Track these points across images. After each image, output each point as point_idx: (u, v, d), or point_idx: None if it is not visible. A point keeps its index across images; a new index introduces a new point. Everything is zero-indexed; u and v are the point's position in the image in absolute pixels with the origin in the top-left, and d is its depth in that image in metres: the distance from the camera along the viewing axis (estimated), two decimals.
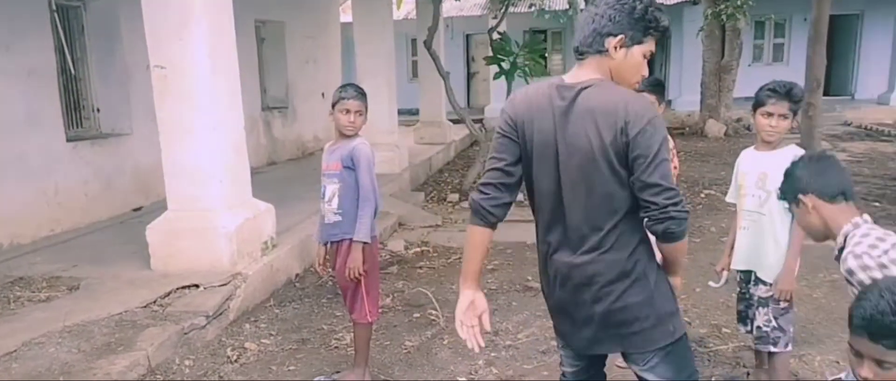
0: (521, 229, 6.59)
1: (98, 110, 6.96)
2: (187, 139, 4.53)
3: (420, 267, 5.52)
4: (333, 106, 3.26)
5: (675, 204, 1.79)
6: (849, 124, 13.29)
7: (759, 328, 3.02)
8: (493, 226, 2.02)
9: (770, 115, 2.83)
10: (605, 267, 1.91)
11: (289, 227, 5.47)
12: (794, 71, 11.82)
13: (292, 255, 5.16)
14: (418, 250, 6.02)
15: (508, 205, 2.01)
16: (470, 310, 2.03)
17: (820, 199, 1.98)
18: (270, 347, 4.01)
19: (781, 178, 2.11)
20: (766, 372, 3.18)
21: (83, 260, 5.02)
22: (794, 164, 2.10)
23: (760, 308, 3.01)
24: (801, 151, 2.93)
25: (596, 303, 1.94)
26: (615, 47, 1.89)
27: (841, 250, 1.95)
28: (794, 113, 2.83)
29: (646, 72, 1.97)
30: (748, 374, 3.45)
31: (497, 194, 1.99)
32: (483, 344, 2.04)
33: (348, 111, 3.22)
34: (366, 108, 3.28)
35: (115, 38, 6.78)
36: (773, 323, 2.99)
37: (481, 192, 2.00)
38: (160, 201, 5.14)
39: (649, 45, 1.92)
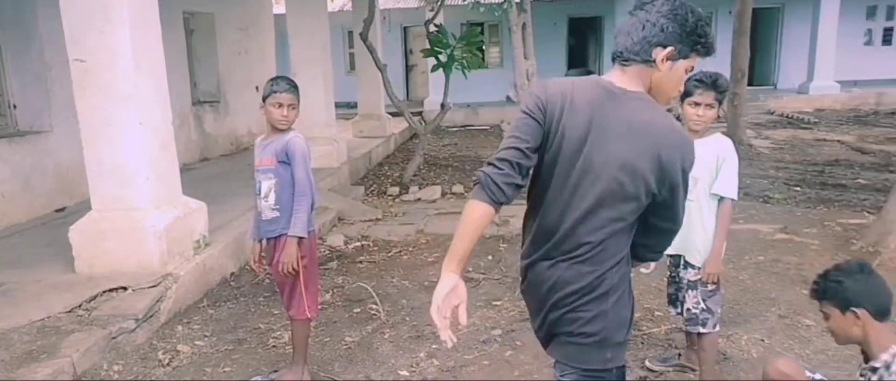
0: (455, 221, 6.67)
1: (14, 107, 6.59)
2: (110, 136, 4.33)
3: (360, 262, 5.47)
4: (264, 99, 3.18)
5: (668, 245, 1.99)
6: (772, 113, 13.89)
7: (688, 310, 3.12)
8: (496, 205, 1.82)
9: (697, 105, 2.94)
10: (574, 277, 1.87)
11: (222, 224, 5.32)
12: (719, 62, 12.17)
13: (226, 253, 5.02)
14: (358, 244, 5.97)
15: (518, 188, 1.85)
16: (451, 296, 1.80)
17: (872, 317, 2.08)
18: (204, 348, 3.89)
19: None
20: (696, 352, 3.29)
21: (1, 264, 4.75)
22: (843, 271, 2.16)
23: (690, 291, 3.12)
24: (726, 140, 3.05)
25: (554, 308, 1.92)
26: (663, 59, 1.81)
27: (875, 368, 2.10)
28: (720, 102, 2.95)
29: (682, 88, 2.00)
30: (679, 355, 3.56)
31: (512, 172, 1.82)
32: (455, 340, 1.82)
33: (281, 105, 3.14)
34: (298, 101, 3.21)
35: (31, 30, 6.43)
36: (702, 305, 3.10)
37: (495, 166, 1.83)
38: (85, 201, 4.92)
39: (693, 61, 1.85)
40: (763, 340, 3.84)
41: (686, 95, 2.97)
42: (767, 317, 4.13)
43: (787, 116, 13.38)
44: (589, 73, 4.46)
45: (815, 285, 2.26)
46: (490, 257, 5.44)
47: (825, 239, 5.50)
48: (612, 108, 1.81)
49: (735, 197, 3.03)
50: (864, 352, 2.20)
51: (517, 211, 6.84)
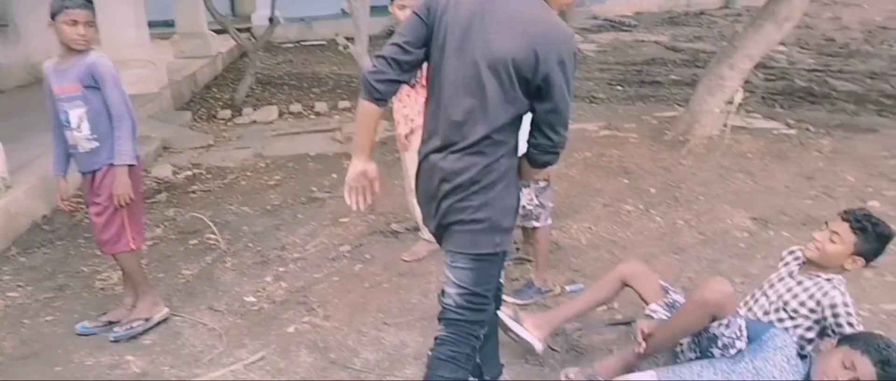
0: (301, 140, 6.47)
1: None
2: None
3: (193, 192, 5.14)
4: (54, 17, 2.77)
5: (563, 143, 1.95)
6: (596, 18, 14.59)
7: (523, 206, 3.26)
8: (378, 102, 1.98)
9: None
10: (464, 167, 1.93)
11: (25, 164, 4.73)
12: None
13: (34, 195, 4.49)
14: (189, 173, 5.58)
15: (395, 83, 1.98)
16: (361, 176, 2.08)
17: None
18: (20, 299, 3.51)
19: None
20: (532, 245, 3.48)
21: None
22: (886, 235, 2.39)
23: (523, 189, 3.24)
24: None
25: (445, 197, 1.97)
26: None
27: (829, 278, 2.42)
28: None
29: None
30: (518, 249, 3.75)
31: (385, 68, 1.94)
32: (370, 202, 2.13)
33: (75, 22, 2.76)
34: (94, 16, 2.84)
35: None
36: (536, 201, 3.24)
37: (372, 64, 1.97)
38: None
39: None
40: (591, 227, 4.14)
41: None
42: (594, 207, 4.45)
43: (609, 20, 14.13)
44: None
45: (856, 220, 2.40)
46: (334, 175, 5.34)
47: (643, 132, 5.97)
48: (499, 4, 1.85)
49: None
50: (812, 262, 2.46)
51: None
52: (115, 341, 3.06)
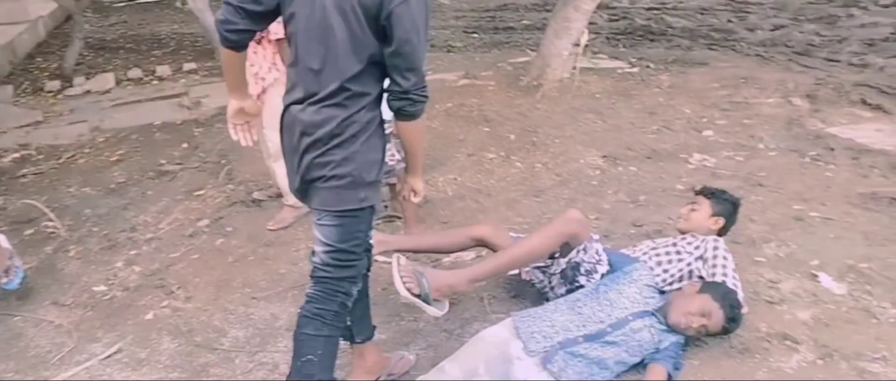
0: (144, 109, 6.00)
1: None
2: None
3: (23, 176, 4.64)
4: None
5: (419, 88, 1.85)
6: None
7: (386, 162, 3.23)
8: (237, 49, 1.97)
9: None
10: (323, 120, 1.88)
11: None
12: None
13: None
14: (17, 155, 5.02)
15: (246, 32, 1.94)
16: (239, 114, 2.16)
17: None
18: None
19: None
20: (399, 201, 3.48)
21: None
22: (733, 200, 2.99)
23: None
24: None
25: (306, 152, 1.92)
26: None
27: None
28: None
29: None
30: (386, 206, 3.75)
31: (233, 17, 1.89)
32: (255, 138, 2.24)
33: None
34: None
35: None
36: (398, 157, 3.23)
37: (222, 12, 1.91)
38: None
39: None
40: (456, 178, 4.21)
41: None
42: (458, 157, 4.52)
43: None
44: None
45: (707, 190, 3.03)
46: (185, 145, 5.02)
47: (499, 79, 6.09)
48: None
49: None
50: (684, 232, 2.93)
51: (210, 91, 6.34)
52: None
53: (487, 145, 4.69)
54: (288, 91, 2.00)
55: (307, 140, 1.91)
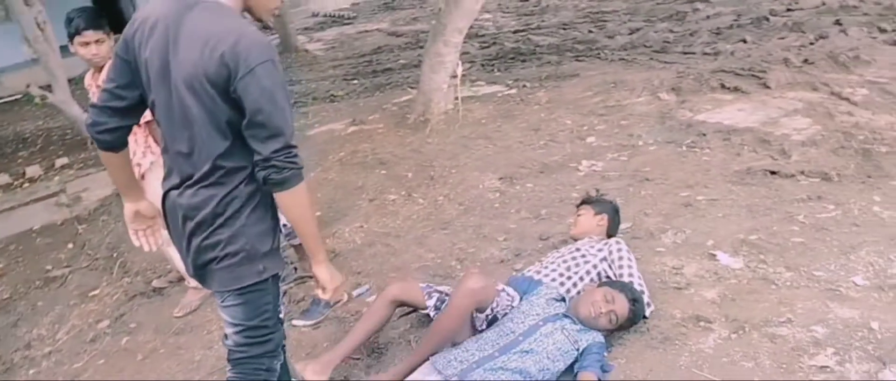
0: (19, 216, 5.59)
1: None
2: None
3: None
4: None
5: (282, 155, 1.73)
6: (316, 15, 14.62)
7: (285, 225, 3.17)
8: (115, 149, 1.94)
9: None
10: (202, 201, 1.83)
11: None
12: None
13: None
14: None
15: (120, 130, 1.91)
16: (137, 218, 2.10)
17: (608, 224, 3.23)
18: None
19: None
20: (306, 260, 3.42)
21: None
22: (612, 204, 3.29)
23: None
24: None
25: (193, 236, 1.87)
26: None
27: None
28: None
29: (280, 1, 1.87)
30: (296, 268, 3.67)
31: (102, 118, 1.87)
32: (160, 242, 2.15)
33: None
34: None
35: None
36: None
37: (90, 116, 1.88)
38: None
39: None
40: (362, 226, 4.20)
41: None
42: (360, 205, 4.51)
43: (329, 16, 14.25)
44: (94, 9, 3.86)
45: (587, 198, 3.39)
46: (70, 246, 4.72)
47: (387, 121, 6.16)
48: (184, 21, 1.75)
49: None
50: (577, 237, 3.18)
51: (89, 183, 6.01)
52: None
53: (387, 187, 4.71)
54: (165, 177, 1.95)
55: (191, 224, 1.86)
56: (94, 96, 2.73)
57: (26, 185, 6.35)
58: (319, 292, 2.01)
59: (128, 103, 1.87)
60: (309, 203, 1.85)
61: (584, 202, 3.35)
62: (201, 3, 1.76)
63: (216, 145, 1.78)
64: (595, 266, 2.92)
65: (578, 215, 3.28)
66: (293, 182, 1.77)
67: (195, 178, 1.83)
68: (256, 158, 1.76)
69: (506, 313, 2.65)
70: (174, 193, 1.89)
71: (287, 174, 1.75)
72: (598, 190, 4.01)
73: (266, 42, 1.73)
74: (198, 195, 1.83)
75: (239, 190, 1.83)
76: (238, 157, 1.81)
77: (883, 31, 6.56)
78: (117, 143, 1.93)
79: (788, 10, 8.13)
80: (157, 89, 1.80)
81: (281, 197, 1.80)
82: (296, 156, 1.76)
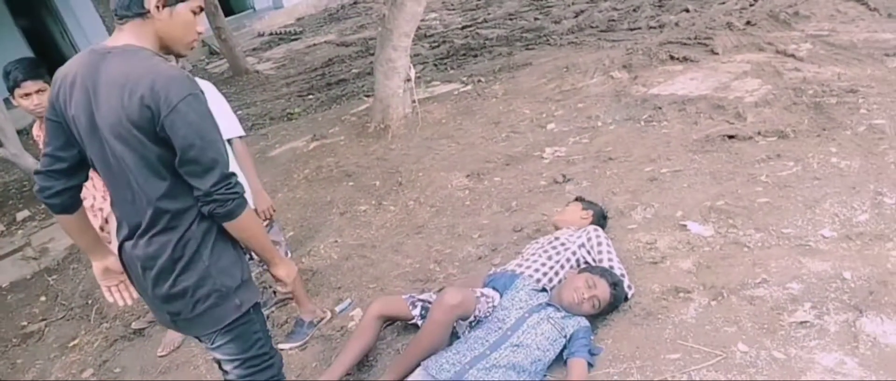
0: None
1: None
2: None
3: None
4: None
5: (222, 188, 1.72)
6: (262, 35, 14.46)
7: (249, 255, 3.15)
8: (69, 211, 1.92)
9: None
10: (157, 250, 1.80)
11: None
12: None
13: None
14: None
15: (69, 191, 1.89)
16: (108, 274, 2.05)
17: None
18: None
19: None
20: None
21: None
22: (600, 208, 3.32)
23: None
24: (203, 82, 2.99)
25: (156, 287, 1.85)
26: (158, 7, 1.73)
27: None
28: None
29: (201, 28, 1.83)
30: (274, 292, 3.64)
31: (48, 182, 1.86)
32: (135, 296, 2.07)
33: None
34: None
35: None
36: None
37: (36, 182, 1.87)
38: None
39: (197, 1, 1.79)
40: (336, 241, 4.18)
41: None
42: (332, 219, 4.49)
43: (276, 33, 14.10)
44: (33, 60, 3.77)
45: (576, 198, 3.44)
46: (43, 299, 4.60)
47: (348, 132, 6.13)
48: (100, 71, 1.72)
49: (242, 132, 3.06)
50: (557, 227, 3.23)
51: (53, 233, 5.84)
52: None
53: (356, 199, 4.70)
54: (118, 229, 1.92)
55: (151, 274, 1.83)
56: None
57: None
58: (279, 287, 2.07)
59: (70, 163, 1.85)
60: (256, 223, 1.87)
61: (577, 198, 3.44)
62: (113, 50, 1.73)
63: (155, 188, 1.75)
64: (574, 252, 2.97)
65: (567, 205, 3.38)
66: (238, 211, 1.77)
67: (144, 226, 1.80)
68: (197, 193, 1.74)
69: (488, 315, 2.67)
70: (128, 244, 1.87)
71: (231, 205, 1.75)
72: (564, 175, 4.07)
73: (183, 76, 1.71)
74: (151, 244, 1.81)
75: (192, 231, 1.80)
76: (181, 197, 1.78)
77: None
78: (70, 204, 1.91)
79: None
80: (90, 144, 1.79)
81: (230, 227, 1.80)
82: (236, 184, 1.76)
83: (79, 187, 1.92)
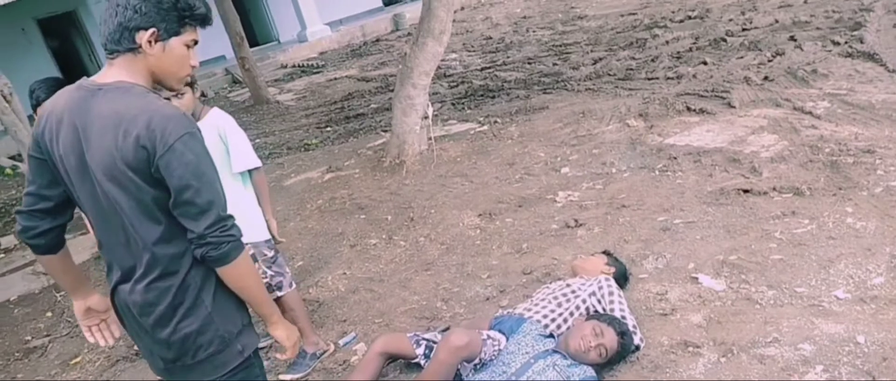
0: None
1: None
2: None
3: None
4: None
5: (217, 230, 1.63)
6: (285, 66, 14.70)
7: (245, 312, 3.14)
8: (53, 251, 1.84)
9: (167, 99, 2.81)
10: (156, 296, 1.71)
11: None
12: (218, 30, 12.32)
13: None
14: None
15: (53, 231, 1.81)
16: (89, 315, 1.96)
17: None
18: None
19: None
20: (287, 313, 3.38)
21: None
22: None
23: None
24: (221, 114, 3.03)
25: (155, 332, 1.75)
26: (149, 43, 1.65)
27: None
28: (191, 85, 2.86)
29: (195, 62, 1.75)
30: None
31: (32, 222, 1.78)
32: (117, 335, 2.00)
33: None
34: None
35: None
36: (269, 273, 3.15)
37: (18, 222, 1.79)
38: None
39: (191, 35, 1.71)
40: (345, 273, 4.17)
41: None
42: (342, 251, 4.49)
43: (298, 66, 14.32)
44: (57, 80, 3.88)
45: (604, 251, 3.41)
46: (49, 314, 4.62)
47: (363, 165, 6.17)
48: (90, 109, 1.65)
49: (259, 163, 3.06)
50: (575, 272, 3.22)
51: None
52: None
53: (368, 232, 4.70)
54: (107, 271, 1.84)
55: (149, 320, 1.74)
56: None
57: (2, 255, 6.24)
58: (278, 355, 1.96)
59: (56, 202, 1.78)
60: (252, 271, 1.77)
61: (604, 251, 3.41)
62: (104, 87, 1.66)
63: (150, 232, 1.68)
64: (584, 301, 2.93)
65: (592, 255, 3.36)
66: (233, 255, 1.68)
67: (140, 272, 1.72)
68: (190, 236, 1.65)
69: (493, 358, 2.64)
70: (123, 288, 1.78)
71: (226, 249, 1.65)
72: (576, 220, 4.06)
73: (180, 115, 1.65)
74: (150, 291, 1.72)
75: (191, 276, 1.72)
76: (177, 241, 1.70)
77: (836, 43, 6.78)
78: (54, 244, 1.84)
79: (744, 29, 8.37)
80: (79, 184, 1.72)
81: (223, 272, 1.70)
82: (232, 227, 1.67)
83: (63, 227, 1.84)
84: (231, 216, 1.68)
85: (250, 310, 1.83)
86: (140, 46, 1.66)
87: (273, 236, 3.14)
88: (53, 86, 3.07)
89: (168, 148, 1.59)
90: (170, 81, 1.76)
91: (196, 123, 1.68)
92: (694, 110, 5.64)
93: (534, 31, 12.00)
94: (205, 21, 1.74)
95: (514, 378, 2.48)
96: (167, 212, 1.66)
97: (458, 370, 2.64)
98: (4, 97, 5.10)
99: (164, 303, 1.71)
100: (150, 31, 1.65)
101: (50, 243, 1.82)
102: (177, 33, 1.69)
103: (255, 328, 1.89)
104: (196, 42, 1.74)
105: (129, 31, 1.65)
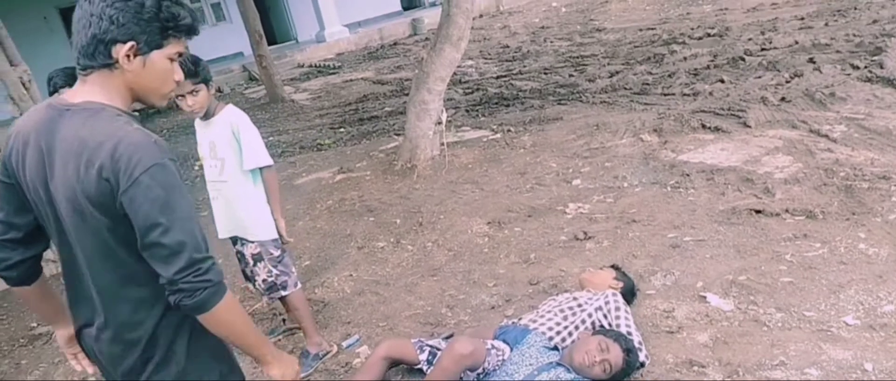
0: None
1: None
2: None
3: None
4: None
5: (189, 275, 1.42)
6: (302, 66, 14.79)
7: (264, 281, 3.16)
8: (27, 282, 1.70)
9: (181, 96, 2.82)
10: (123, 350, 1.58)
11: None
12: (238, 27, 12.42)
13: None
14: None
15: (26, 262, 1.65)
16: (72, 343, 1.80)
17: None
18: None
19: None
20: (292, 313, 3.39)
21: None
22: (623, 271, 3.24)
23: (257, 264, 3.14)
24: (235, 110, 3.03)
25: (133, 376, 1.61)
26: (127, 57, 1.46)
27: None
28: (206, 83, 2.87)
29: (180, 76, 1.57)
30: (284, 321, 3.63)
31: (4, 254, 1.63)
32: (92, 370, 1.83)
33: None
34: None
35: None
36: (275, 272, 3.15)
37: None
38: None
39: (175, 47, 1.52)
40: (351, 274, 4.17)
41: None
42: (349, 253, 4.49)
43: (315, 66, 14.40)
44: (66, 70, 3.76)
45: (613, 266, 3.36)
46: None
47: (374, 168, 6.18)
48: (56, 132, 1.49)
49: (270, 162, 3.05)
50: (582, 285, 3.20)
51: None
52: None
53: (376, 235, 4.70)
54: (70, 305, 1.68)
55: (120, 370, 1.61)
56: None
57: None
58: None
59: (26, 231, 1.62)
60: (237, 317, 1.55)
61: (613, 266, 3.36)
62: (72, 107, 1.49)
63: (111, 276, 1.53)
64: (590, 315, 2.91)
65: (601, 268, 3.33)
66: (212, 302, 1.46)
67: (100, 321, 1.58)
68: (161, 281, 1.45)
69: (496, 368, 2.62)
70: (87, 333, 1.65)
71: (201, 296, 1.44)
72: (585, 233, 4.04)
73: (150, 143, 1.44)
74: (116, 343, 1.58)
75: (162, 327, 1.57)
76: (145, 286, 1.53)
77: (855, 67, 6.72)
78: (27, 276, 1.68)
79: (763, 49, 8.32)
80: (44, 212, 1.56)
81: (203, 319, 1.49)
82: (209, 270, 1.45)
83: (38, 258, 1.69)
84: (209, 257, 1.47)
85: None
86: (117, 61, 1.47)
87: (281, 236, 3.14)
88: (71, 74, 3.09)
89: (133, 181, 1.39)
90: (151, 99, 1.57)
91: (169, 153, 1.48)
92: (709, 128, 5.61)
93: (551, 42, 11.99)
94: (190, 31, 1.55)
95: None
96: (136, 253, 1.47)
97: (460, 378, 2.63)
98: (24, 84, 5.14)
99: (133, 357, 1.58)
100: (129, 44, 1.46)
101: (22, 275, 1.67)
102: (159, 46, 1.50)
103: (240, 369, 1.78)
104: (181, 54, 1.56)
105: (104, 45, 1.45)
